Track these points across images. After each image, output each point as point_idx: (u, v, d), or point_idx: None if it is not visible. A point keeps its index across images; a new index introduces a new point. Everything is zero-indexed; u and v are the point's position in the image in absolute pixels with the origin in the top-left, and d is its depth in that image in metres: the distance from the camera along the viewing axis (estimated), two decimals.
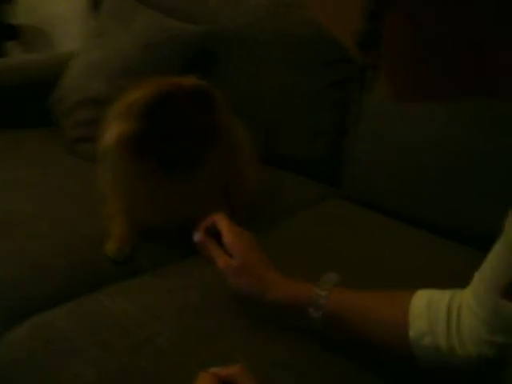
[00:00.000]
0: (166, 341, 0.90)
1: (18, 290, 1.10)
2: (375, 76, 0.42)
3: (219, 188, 1.25)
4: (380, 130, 1.38)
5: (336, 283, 0.87)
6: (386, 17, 0.38)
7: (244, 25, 1.69)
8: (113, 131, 1.12)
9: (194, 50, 1.73)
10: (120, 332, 0.93)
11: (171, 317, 0.96)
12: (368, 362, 0.86)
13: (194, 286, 1.05)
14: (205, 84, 1.13)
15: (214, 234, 0.97)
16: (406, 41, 0.39)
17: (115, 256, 1.16)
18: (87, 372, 0.86)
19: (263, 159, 1.37)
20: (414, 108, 1.30)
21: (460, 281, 0.77)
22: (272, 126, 1.62)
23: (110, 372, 0.86)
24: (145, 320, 0.95)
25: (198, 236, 0.98)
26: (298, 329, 0.90)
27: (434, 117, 1.28)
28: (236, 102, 1.64)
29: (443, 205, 1.27)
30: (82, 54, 1.92)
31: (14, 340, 0.97)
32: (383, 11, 0.38)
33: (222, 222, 0.96)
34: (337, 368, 0.87)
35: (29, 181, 1.46)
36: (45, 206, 1.33)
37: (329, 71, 1.53)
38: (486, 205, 1.18)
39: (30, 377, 0.90)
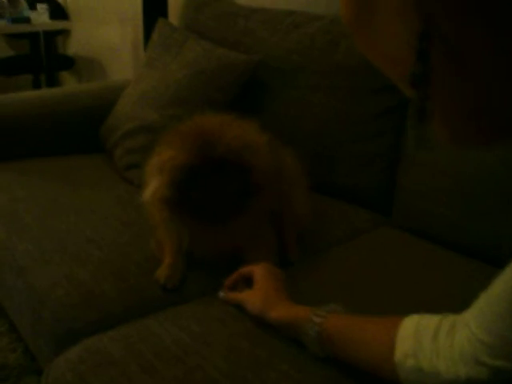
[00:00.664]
0: (216, 369, 0.89)
1: (70, 314, 1.11)
2: (425, 114, 0.41)
3: (268, 218, 1.24)
4: (433, 157, 1.35)
5: (336, 311, 0.91)
6: (432, 56, 0.37)
7: (294, 53, 1.69)
8: (150, 189, 1.14)
9: (245, 79, 1.74)
10: (169, 359, 0.92)
11: (221, 345, 0.95)
12: None
13: (244, 315, 1.04)
14: (241, 147, 1.11)
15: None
16: (450, 82, 0.38)
17: (165, 283, 1.16)
18: None
19: (314, 188, 1.36)
20: None
21: None
22: (323, 154, 1.61)
23: None
24: (195, 347, 0.94)
25: (222, 295, 1.10)
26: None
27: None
28: (287, 130, 1.67)
29: (499, 235, 1.23)
30: (135, 83, 1.96)
31: (64, 363, 0.98)
32: (429, 50, 0.37)
33: (257, 272, 1.07)
34: None
35: (83, 206, 1.50)
36: (98, 232, 1.35)
37: (380, 98, 1.52)
38: None
39: None
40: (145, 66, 1.98)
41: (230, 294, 1.08)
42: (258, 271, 1.06)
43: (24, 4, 3.30)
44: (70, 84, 4.00)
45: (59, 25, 3.60)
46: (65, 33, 3.86)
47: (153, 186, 1.13)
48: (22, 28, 3.24)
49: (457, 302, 1.07)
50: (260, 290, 1.02)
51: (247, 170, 1.11)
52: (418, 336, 0.76)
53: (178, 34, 1.96)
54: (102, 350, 0.96)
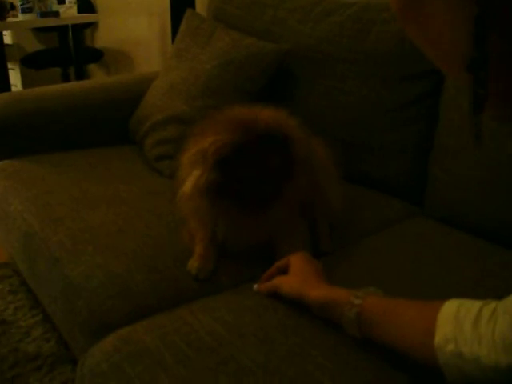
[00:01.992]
0: (250, 360, 0.89)
1: (104, 305, 1.12)
2: (484, 98, 0.40)
3: (300, 209, 1.24)
4: (465, 146, 1.33)
5: (375, 293, 0.92)
6: (490, 40, 0.36)
7: (323, 42, 1.68)
8: (191, 180, 1.13)
9: (274, 68, 1.73)
10: (203, 349, 0.93)
11: (255, 336, 0.95)
12: None
13: (277, 304, 1.04)
14: (278, 125, 1.12)
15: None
16: (508, 63, 0.37)
17: (197, 273, 1.17)
18: None
19: (346, 177, 1.35)
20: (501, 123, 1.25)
21: None
22: (354, 143, 1.60)
23: None
24: (228, 338, 0.95)
25: (255, 287, 1.09)
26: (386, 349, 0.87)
27: None
28: (317, 119, 1.65)
29: None
30: (163, 74, 1.97)
31: (99, 352, 0.99)
32: (487, 34, 0.36)
33: (294, 259, 1.07)
34: None
35: (115, 197, 1.51)
36: (131, 223, 1.36)
37: (412, 86, 1.50)
38: None
39: None
40: (173, 58, 1.98)
41: (265, 283, 1.08)
42: (295, 259, 1.06)
43: None
44: (98, 76, 4.03)
45: (87, 18, 3.62)
46: (93, 26, 3.89)
47: (194, 176, 1.12)
48: (51, 22, 3.26)
49: (491, 292, 1.06)
50: (297, 274, 1.02)
51: (289, 142, 1.11)
52: (458, 321, 0.75)
53: (206, 24, 1.96)
54: (137, 340, 0.97)
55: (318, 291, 0.96)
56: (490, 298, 0.94)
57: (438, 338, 0.76)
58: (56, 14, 3.24)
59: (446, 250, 1.25)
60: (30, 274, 1.48)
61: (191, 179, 1.12)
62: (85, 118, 1.99)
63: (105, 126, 2.02)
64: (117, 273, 1.18)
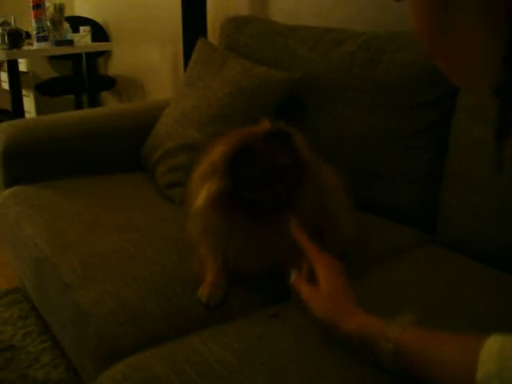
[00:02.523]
0: None
1: (114, 332, 1.12)
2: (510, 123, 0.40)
3: (310, 232, 1.23)
4: (478, 173, 1.33)
5: (411, 322, 0.89)
6: None
7: (334, 71, 1.69)
8: (201, 195, 1.13)
9: (285, 97, 1.75)
10: (213, 378, 0.92)
11: (265, 364, 0.94)
12: None
13: (287, 332, 1.03)
14: (279, 124, 1.15)
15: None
16: None
17: (207, 301, 1.16)
18: None
19: (356, 205, 1.35)
20: None
21: None
22: (364, 171, 1.60)
23: None
24: (238, 367, 0.94)
25: (293, 277, 1.06)
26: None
27: None
28: (328, 147, 1.66)
29: None
30: (175, 102, 1.99)
31: (108, 380, 0.99)
32: None
33: (317, 257, 1.04)
34: None
35: (126, 224, 1.52)
36: (141, 249, 1.36)
37: (421, 114, 1.50)
38: None
39: None
40: (185, 86, 2.00)
41: (300, 283, 1.04)
42: (322, 270, 1.02)
43: (67, 27, 3.38)
44: (111, 104, 4.08)
45: (101, 46, 3.68)
46: (106, 54, 3.95)
47: (206, 188, 1.13)
48: (65, 50, 3.31)
49: (505, 323, 1.05)
50: (328, 294, 0.99)
51: (291, 137, 1.13)
52: (503, 358, 0.73)
53: (218, 53, 1.98)
54: (146, 368, 0.97)
55: (351, 324, 0.93)
56: (504, 329, 0.93)
57: (481, 375, 0.74)
58: (70, 42, 3.30)
59: (459, 279, 1.24)
60: (40, 299, 1.49)
61: (203, 192, 1.13)
62: (97, 145, 2.01)
63: (117, 153, 2.03)
64: (127, 300, 1.18)
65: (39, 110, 3.98)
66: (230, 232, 1.17)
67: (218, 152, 1.12)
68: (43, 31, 3.23)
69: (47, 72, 4.07)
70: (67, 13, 3.52)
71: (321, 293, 1.00)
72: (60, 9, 3.31)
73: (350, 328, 0.93)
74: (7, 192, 1.82)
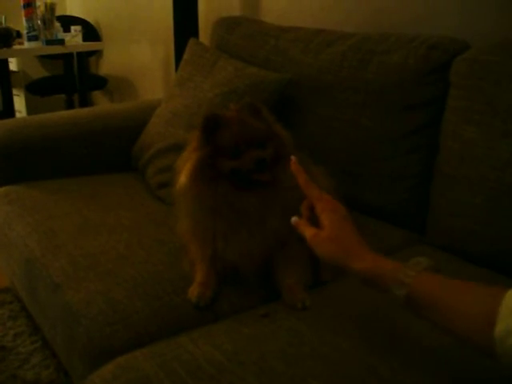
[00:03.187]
0: None
1: (104, 332, 1.12)
2: None
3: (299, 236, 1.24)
4: (467, 174, 1.34)
5: (426, 267, 0.86)
6: None
7: (324, 72, 1.70)
8: (183, 172, 1.16)
9: (276, 97, 1.75)
10: (203, 377, 0.92)
11: (255, 364, 0.94)
12: None
13: (277, 332, 1.04)
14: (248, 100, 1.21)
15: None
16: None
17: (197, 301, 1.16)
18: None
19: (346, 206, 1.35)
20: (502, 150, 1.26)
21: None
22: (354, 172, 1.61)
23: None
24: (228, 366, 0.94)
25: (294, 219, 1.02)
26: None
27: None
28: (318, 148, 1.66)
29: None
30: (166, 102, 1.99)
31: (98, 380, 0.99)
32: None
33: (319, 198, 1.01)
34: None
35: (117, 224, 1.52)
36: (132, 250, 1.37)
37: (411, 116, 1.51)
38: None
39: None
40: (176, 86, 2.00)
41: (302, 225, 1.01)
42: (329, 213, 0.97)
43: (58, 26, 3.37)
44: (102, 104, 4.07)
45: (92, 46, 3.67)
46: (97, 53, 3.94)
47: (187, 166, 1.16)
48: (56, 50, 3.30)
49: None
50: (335, 237, 0.94)
51: (261, 108, 1.19)
52: None
53: (210, 53, 1.98)
54: (136, 368, 0.97)
55: (362, 263, 0.89)
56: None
57: (499, 329, 0.73)
58: (61, 41, 3.29)
59: None
60: (30, 299, 1.48)
61: (185, 169, 1.16)
62: (88, 145, 2.00)
63: (108, 152, 2.03)
64: (117, 300, 1.18)
65: (30, 109, 3.96)
66: (216, 212, 1.16)
67: (194, 137, 1.17)
68: (34, 30, 3.22)
69: (38, 71, 4.06)
70: (58, 12, 3.51)
71: (326, 235, 0.95)
72: (51, 8, 3.30)
73: (359, 268, 0.89)
74: None
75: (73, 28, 3.45)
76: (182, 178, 1.16)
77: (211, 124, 1.14)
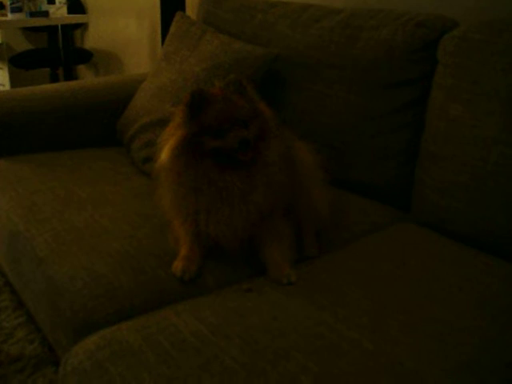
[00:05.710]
0: (234, 360, 0.90)
1: (88, 306, 1.12)
2: None
3: (283, 211, 1.24)
4: (452, 152, 1.34)
5: None
6: None
7: (312, 47, 1.69)
8: (165, 149, 1.16)
9: (263, 72, 1.74)
10: (187, 349, 0.93)
11: (239, 337, 0.95)
12: None
13: (261, 306, 1.04)
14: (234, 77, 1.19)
15: None
16: None
17: (182, 275, 1.16)
18: None
19: (332, 182, 1.35)
20: (488, 130, 1.27)
21: None
22: (341, 148, 1.61)
23: None
24: (212, 339, 0.95)
25: None
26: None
27: (510, 138, 1.23)
28: (305, 124, 1.66)
29: None
30: (152, 76, 1.96)
31: (82, 351, 0.99)
32: None
33: None
34: None
35: (101, 199, 1.50)
36: (116, 224, 1.36)
37: (399, 93, 1.51)
38: None
39: None
40: (162, 60, 1.98)
41: None
42: None
43: None
44: (87, 77, 4.02)
45: (77, 19, 3.61)
46: (83, 26, 3.88)
47: (169, 143, 1.15)
48: (40, 22, 3.25)
49: (474, 298, 1.08)
50: None
51: (245, 86, 1.17)
52: None
53: (196, 27, 1.96)
54: (120, 340, 0.97)
55: None
56: (472, 304, 0.95)
57: None
58: (45, 14, 3.23)
59: (431, 256, 1.26)
60: (14, 274, 1.47)
61: (168, 146, 1.15)
62: (72, 119, 1.98)
63: (92, 126, 2.01)
64: (101, 273, 1.17)
65: (14, 82, 3.90)
66: (198, 189, 1.16)
67: (177, 111, 1.16)
68: (17, 2, 3.16)
69: (22, 44, 4.00)
70: None
71: None
72: None
73: None
74: None
75: (57, 0, 3.39)
76: (164, 155, 1.16)
77: (196, 101, 1.13)
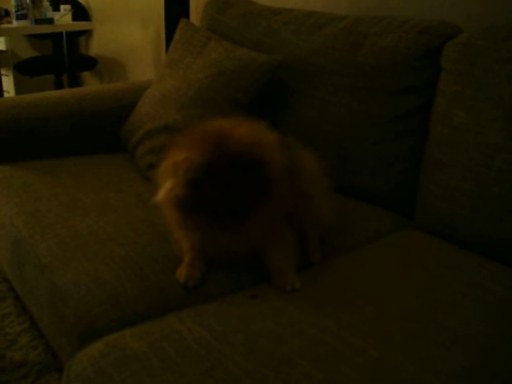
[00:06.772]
0: (238, 367, 0.89)
1: (92, 312, 1.12)
2: None
3: (286, 219, 1.24)
4: (456, 159, 1.34)
5: None
6: None
7: (315, 54, 1.69)
8: (163, 190, 1.12)
9: (266, 79, 1.74)
10: (191, 356, 0.93)
11: (243, 344, 0.95)
12: None
13: (266, 313, 1.04)
14: (253, 144, 1.09)
15: None
16: None
17: (185, 281, 1.17)
18: None
19: (336, 189, 1.35)
20: (492, 136, 1.26)
21: None
22: (344, 155, 1.61)
23: None
24: (216, 346, 0.95)
25: None
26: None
27: None
28: (308, 131, 1.66)
29: None
30: (156, 83, 1.97)
31: (85, 358, 0.98)
32: None
33: None
34: None
35: (105, 205, 1.51)
36: (120, 230, 1.36)
37: (402, 100, 1.51)
38: None
39: None
40: (166, 67, 1.98)
41: None
42: None
43: (47, 5, 3.33)
44: (91, 84, 4.03)
45: (82, 26, 3.63)
46: (87, 33, 3.90)
47: (166, 188, 1.11)
48: (45, 29, 3.27)
49: (478, 305, 1.07)
50: None
51: (262, 163, 1.09)
52: None
53: (200, 34, 1.97)
54: (124, 346, 0.97)
55: None
56: (476, 311, 0.95)
57: None
58: (50, 21, 3.25)
59: (435, 263, 1.25)
60: (17, 280, 1.48)
61: (163, 190, 1.12)
62: (77, 126, 1.99)
63: (97, 133, 2.02)
64: (105, 280, 1.17)
65: (18, 89, 3.92)
66: (195, 226, 1.16)
67: (182, 155, 1.09)
68: (22, 9, 3.18)
69: (27, 51, 4.01)
70: None
71: None
72: None
73: None
74: None
75: (62, 7, 3.41)
76: (159, 197, 1.13)
77: (197, 178, 1.07)
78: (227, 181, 1.07)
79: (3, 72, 3.64)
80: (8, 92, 3.88)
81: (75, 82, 3.62)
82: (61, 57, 3.63)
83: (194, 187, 1.08)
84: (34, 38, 3.97)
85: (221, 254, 1.20)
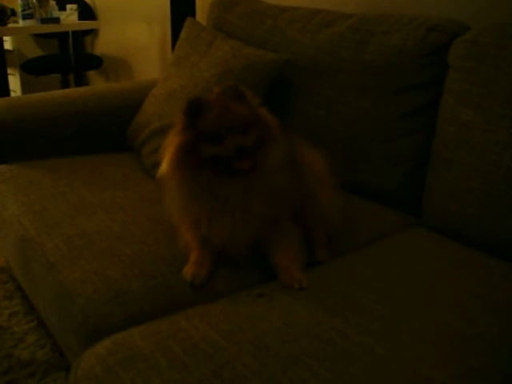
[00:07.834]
0: (245, 367, 0.89)
1: (99, 311, 1.12)
2: None
3: (291, 215, 1.24)
4: (464, 157, 1.33)
5: None
6: None
7: (322, 52, 1.69)
8: (165, 158, 1.16)
9: (273, 78, 1.74)
10: (198, 355, 0.93)
11: (250, 343, 0.95)
12: None
13: (273, 312, 1.04)
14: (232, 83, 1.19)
15: None
16: None
17: (192, 280, 1.17)
18: None
19: (343, 187, 1.35)
20: (500, 134, 1.26)
21: None
22: (351, 154, 1.61)
23: None
24: (223, 344, 0.94)
25: None
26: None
27: None
28: (315, 129, 1.66)
29: None
30: (162, 82, 1.97)
31: (93, 356, 0.99)
32: None
33: None
34: None
35: (112, 204, 1.51)
36: (127, 229, 1.36)
37: (409, 98, 1.50)
38: None
39: None
40: (173, 65, 1.98)
41: None
42: None
43: (53, 5, 3.33)
44: (98, 83, 4.04)
45: (88, 25, 3.64)
46: (93, 33, 3.90)
47: (168, 151, 1.15)
48: (52, 28, 3.27)
49: (488, 304, 1.07)
50: None
51: (243, 92, 1.17)
52: None
53: (206, 33, 1.96)
54: (131, 345, 0.97)
55: None
56: (485, 310, 0.94)
57: None
58: (56, 20, 3.26)
59: (443, 261, 1.25)
60: (25, 279, 1.48)
61: (167, 156, 1.15)
62: (83, 125, 1.99)
63: (103, 132, 2.02)
64: (112, 278, 1.18)
65: (25, 88, 3.93)
66: (199, 198, 1.16)
67: (177, 119, 1.16)
68: (29, 8, 3.19)
69: (33, 50, 4.02)
70: None
71: None
72: None
73: None
74: None
75: (68, 6, 3.41)
76: (164, 165, 1.16)
77: (193, 108, 1.13)
78: (222, 104, 1.14)
79: (10, 71, 3.65)
80: (14, 91, 3.89)
81: (81, 82, 3.62)
82: (67, 56, 3.64)
83: (194, 124, 1.12)
84: (40, 37, 3.98)
85: (225, 241, 1.18)
